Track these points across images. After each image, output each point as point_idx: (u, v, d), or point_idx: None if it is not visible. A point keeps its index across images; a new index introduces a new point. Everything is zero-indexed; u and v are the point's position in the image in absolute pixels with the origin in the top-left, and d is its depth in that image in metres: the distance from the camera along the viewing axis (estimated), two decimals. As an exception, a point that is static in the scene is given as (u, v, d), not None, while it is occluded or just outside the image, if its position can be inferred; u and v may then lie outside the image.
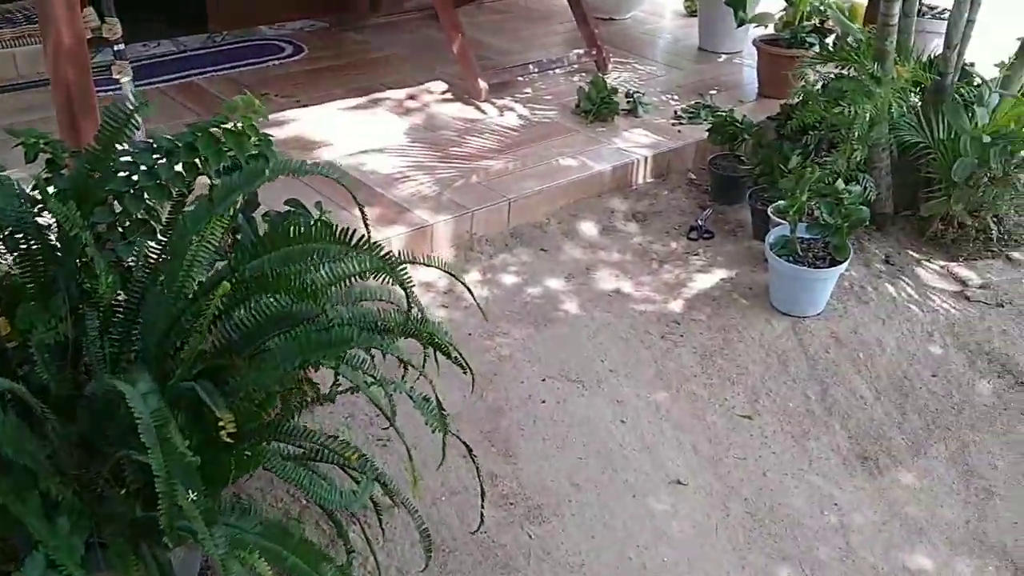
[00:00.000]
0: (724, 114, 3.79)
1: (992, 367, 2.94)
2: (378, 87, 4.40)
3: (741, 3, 4.59)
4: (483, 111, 4.22)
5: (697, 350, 2.95)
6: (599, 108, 4.13)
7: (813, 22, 4.60)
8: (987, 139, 3.21)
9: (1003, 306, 3.22)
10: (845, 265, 3.04)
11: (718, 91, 4.57)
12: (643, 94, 4.34)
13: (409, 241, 3.19)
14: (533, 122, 4.13)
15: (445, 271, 2.05)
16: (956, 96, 3.52)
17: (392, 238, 3.15)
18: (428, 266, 1.99)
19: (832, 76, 3.91)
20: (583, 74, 4.70)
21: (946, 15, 4.80)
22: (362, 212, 1.85)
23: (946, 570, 2.26)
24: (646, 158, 3.85)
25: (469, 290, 2.13)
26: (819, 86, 3.73)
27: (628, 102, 4.25)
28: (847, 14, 4.94)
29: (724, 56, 5.10)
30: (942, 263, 3.42)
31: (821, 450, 2.61)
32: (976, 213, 3.45)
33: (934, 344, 3.03)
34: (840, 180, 3.03)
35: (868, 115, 3.13)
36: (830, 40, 5.11)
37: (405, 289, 1.70)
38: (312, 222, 2.09)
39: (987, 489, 2.49)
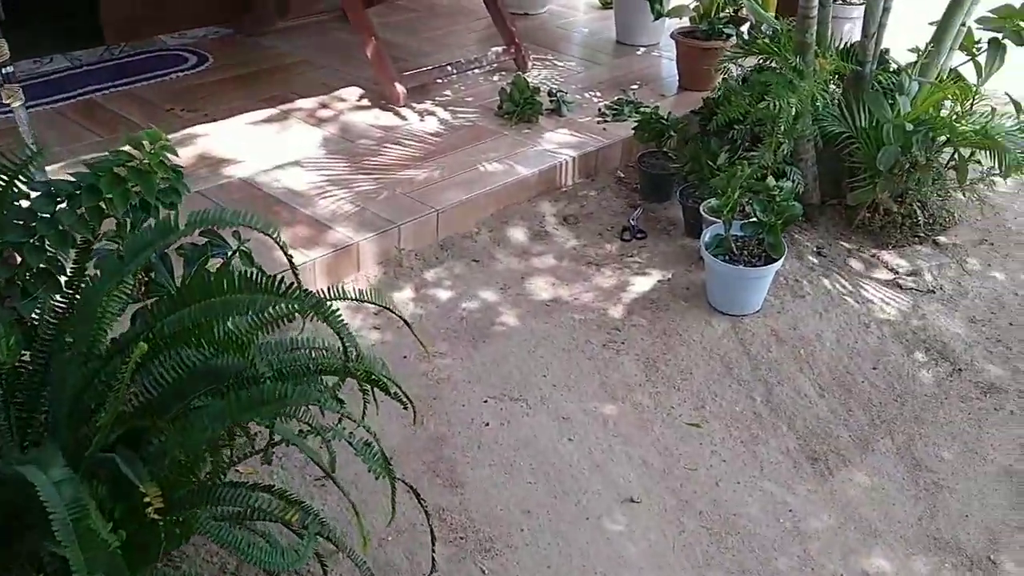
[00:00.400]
0: (649, 111, 3.74)
1: (930, 355, 2.95)
2: (290, 96, 4.23)
3: (657, -4, 4.55)
4: (403, 117, 4.09)
5: (640, 357, 2.89)
6: (522, 109, 4.03)
7: (728, 11, 4.59)
8: (909, 127, 3.22)
9: (934, 292, 3.24)
10: (781, 262, 3.01)
11: (640, 85, 4.53)
12: (565, 92, 4.27)
13: (334, 262, 3.06)
14: (455, 126, 4.02)
15: (380, 305, 1.93)
16: (875, 84, 3.53)
17: (316, 260, 3.01)
18: (361, 301, 1.87)
19: (752, 68, 3.90)
20: (503, 73, 4.61)
21: (857, 1, 4.86)
22: (289, 261, 1.72)
23: (904, 571, 2.25)
24: (573, 159, 3.78)
25: (407, 323, 2.02)
26: (740, 79, 3.72)
27: (551, 101, 4.17)
28: (761, 2, 4.95)
29: (642, 49, 5.05)
30: (872, 251, 3.43)
31: (771, 454, 2.57)
32: (901, 199, 3.47)
33: (871, 335, 3.03)
34: (770, 176, 3.00)
35: (793, 109, 3.11)
36: (745, 28, 5.14)
37: (341, 336, 1.58)
38: (232, 257, 1.96)
39: (936, 483, 2.48)
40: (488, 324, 3.01)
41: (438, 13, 5.59)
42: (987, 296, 3.23)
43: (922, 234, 3.50)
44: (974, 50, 3.79)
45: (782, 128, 3.19)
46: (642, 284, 3.23)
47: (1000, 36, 3.70)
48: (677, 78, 4.57)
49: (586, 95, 4.40)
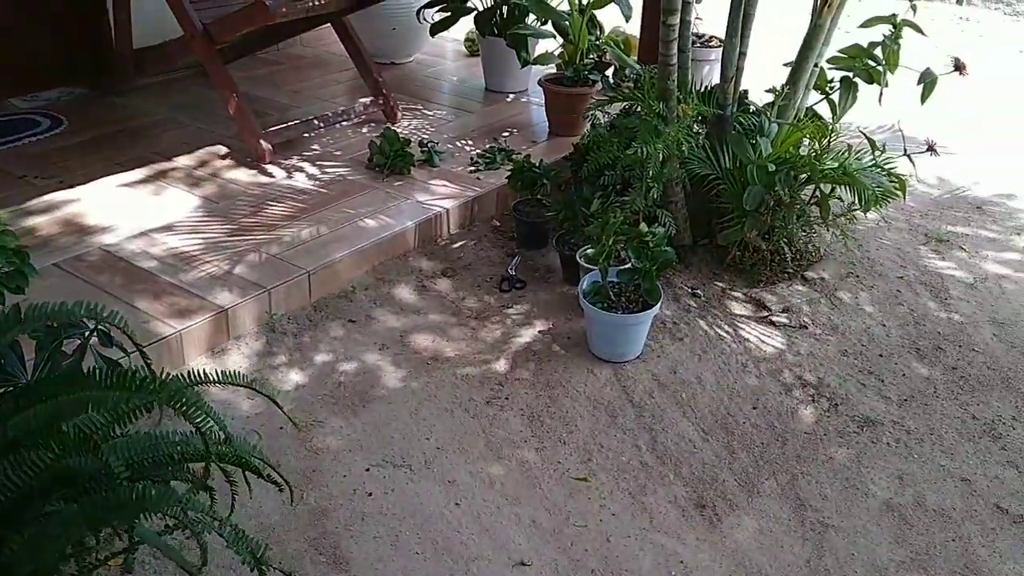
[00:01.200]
0: (521, 160, 3.73)
1: (806, 392, 3.02)
2: (152, 157, 4.05)
3: (522, 44, 4.60)
4: (270, 174, 3.97)
5: (524, 412, 2.85)
6: (393, 161, 3.98)
7: (592, 57, 4.67)
8: (772, 167, 3.32)
9: (806, 327, 3.33)
10: (658, 307, 3.03)
11: (511, 133, 4.54)
12: (437, 142, 4.24)
13: (204, 331, 2.92)
14: (326, 182, 3.93)
15: (246, 385, 1.83)
16: (737, 126, 3.63)
17: (184, 331, 2.86)
18: (225, 383, 1.77)
19: (619, 113, 3.97)
20: (372, 125, 4.55)
21: (714, 43, 5.03)
22: (141, 353, 1.61)
23: (796, 614, 2.26)
24: (448, 210, 3.74)
25: (276, 402, 1.92)
26: (608, 125, 3.77)
27: (423, 152, 4.13)
28: (622, 47, 5.07)
29: (512, 96, 5.08)
30: (745, 290, 3.51)
31: (659, 504, 2.56)
32: (769, 237, 3.56)
33: (749, 375, 3.08)
34: (643, 223, 3.03)
35: (660, 154, 3.16)
36: (609, 72, 5.24)
37: (200, 430, 1.47)
38: (89, 339, 1.82)
39: (821, 522, 2.52)
40: (368, 387, 2.91)
41: (302, 65, 5.50)
42: (857, 329, 3.34)
43: (791, 270, 3.60)
44: (827, 88, 3.95)
45: (650, 173, 3.24)
46: (524, 335, 3.20)
47: (851, 75, 3.88)
48: (547, 124, 4.61)
49: (458, 144, 4.38)
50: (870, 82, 3.87)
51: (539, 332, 3.22)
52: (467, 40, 5.81)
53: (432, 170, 4.07)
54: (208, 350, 2.95)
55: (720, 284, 3.54)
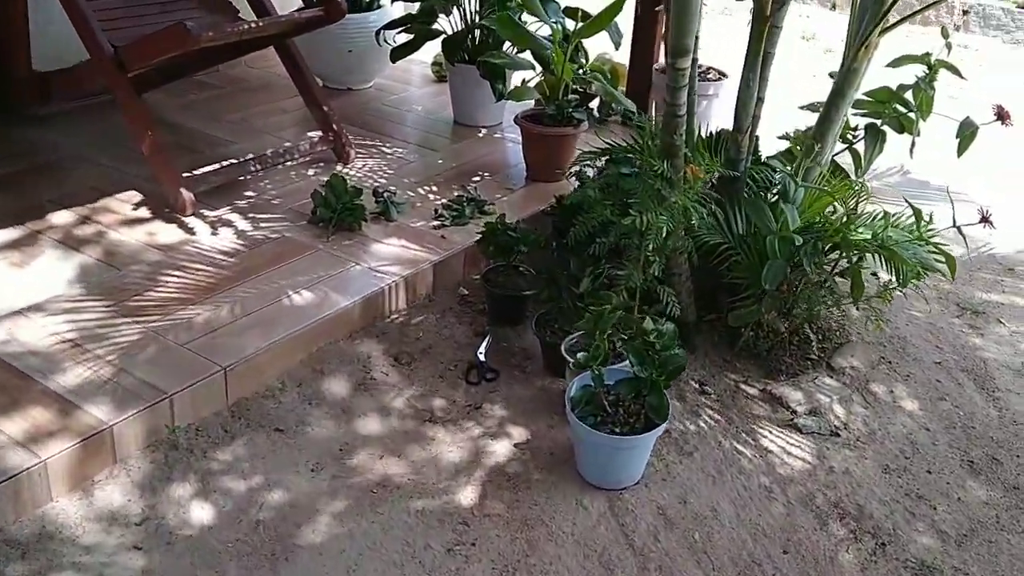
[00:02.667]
0: (495, 221, 3.10)
1: (847, 526, 2.41)
2: (43, 206, 3.37)
3: (499, 76, 3.99)
4: (191, 230, 3.31)
5: (496, 564, 2.22)
6: (341, 216, 3.33)
7: (576, 90, 4.06)
8: (799, 240, 2.71)
9: (838, 434, 2.73)
10: (665, 425, 2.41)
11: (482, 177, 3.91)
12: (395, 190, 3.60)
13: (78, 458, 2.25)
14: (257, 240, 3.27)
15: None
16: (749, 181, 3.04)
17: (51, 459, 2.19)
18: None
19: (607, 161, 3.36)
20: (320, 166, 3.90)
21: (712, 75, 4.44)
22: None
23: None
24: (405, 279, 3.10)
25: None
26: (598, 173, 3.15)
27: (377, 203, 3.50)
28: (609, 76, 4.47)
29: (484, 131, 4.46)
30: (763, 383, 2.90)
31: None
32: (789, 318, 2.97)
33: (776, 503, 2.47)
34: (646, 313, 2.41)
35: (664, 227, 2.55)
36: (594, 104, 4.64)
37: None
38: None
39: None
40: (293, 529, 2.26)
41: (246, 89, 4.83)
42: (897, 435, 2.75)
43: (814, 356, 3.01)
44: (851, 137, 3.39)
45: (651, 246, 2.63)
46: (497, 450, 2.57)
47: (879, 122, 3.31)
48: (524, 167, 3.98)
49: (420, 191, 3.75)
50: (900, 131, 3.32)
51: (515, 446, 2.59)
52: (435, 64, 5.17)
53: (388, 225, 3.43)
54: (86, 480, 2.28)
55: (732, 376, 2.93)
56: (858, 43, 2.70)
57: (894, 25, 2.68)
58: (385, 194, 3.52)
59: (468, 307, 3.21)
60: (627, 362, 2.50)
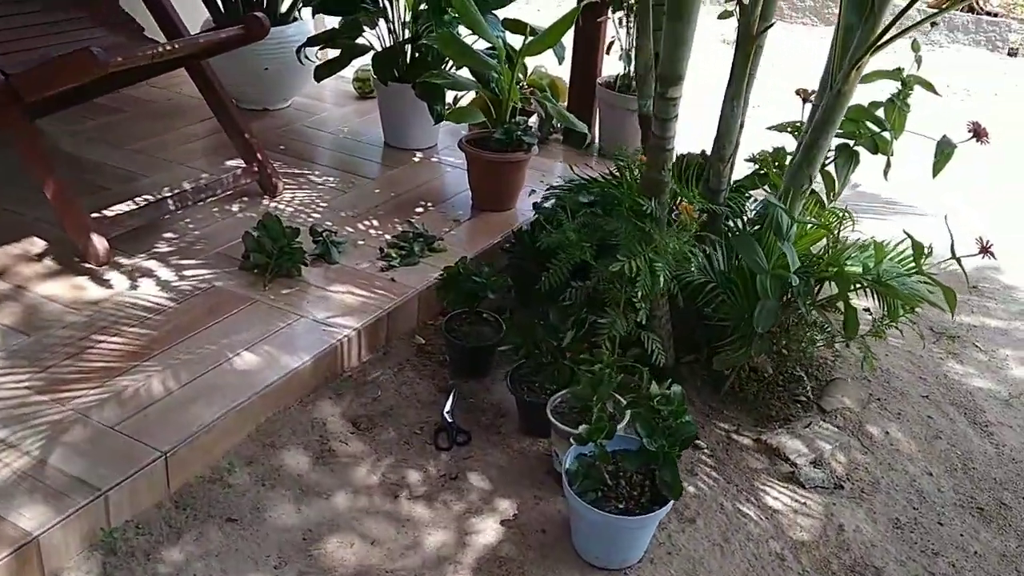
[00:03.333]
0: (455, 266, 2.80)
1: (868, 594, 2.23)
2: (-68, 262, 2.94)
3: (437, 96, 3.69)
4: (107, 283, 2.92)
5: (499, 674, 1.94)
6: (278, 260, 2.99)
7: (516, 107, 3.80)
8: (795, 280, 2.52)
9: (842, 487, 2.55)
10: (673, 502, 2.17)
11: (425, 208, 3.61)
12: (333, 228, 3.27)
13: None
14: (185, 293, 2.90)
15: None
16: (725, 210, 2.84)
17: (-39, 590, 1.81)
18: None
19: (569, 188, 3.13)
20: (245, 200, 3.54)
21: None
22: None
23: None
24: (358, 331, 2.78)
25: None
26: (562, 207, 2.89)
27: (316, 243, 3.16)
28: (548, 91, 4.24)
29: (419, 154, 4.15)
30: (756, 432, 2.70)
31: None
32: (779, 360, 2.78)
33: (791, 572, 2.26)
34: (653, 384, 2.16)
35: (661, 276, 2.32)
36: (532, 120, 4.40)
37: None
38: None
39: None
40: (262, 649, 1.94)
41: (152, 114, 4.40)
42: (902, 484, 2.58)
43: (803, 397, 2.83)
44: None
45: (640, 294, 2.40)
46: (483, 529, 2.29)
47: (851, 143, 3.15)
48: (470, 194, 3.70)
49: (360, 226, 3.42)
50: (875, 151, 3.16)
51: (503, 523, 2.31)
52: (357, 80, 4.83)
53: (330, 269, 3.10)
54: (6, 607, 1.91)
55: (723, 425, 2.72)
56: (849, 65, 2.52)
57: (887, 42, 2.51)
58: (324, 233, 3.18)
59: (427, 358, 2.91)
60: (623, 425, 2.26)
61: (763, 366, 2.76)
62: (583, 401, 2.20)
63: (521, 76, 4.02)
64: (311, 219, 3.42)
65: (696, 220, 2.37)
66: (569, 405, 2.41)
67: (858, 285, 2.65)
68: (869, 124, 3.15)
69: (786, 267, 2.57)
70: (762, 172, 3.20)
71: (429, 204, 3.65)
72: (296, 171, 3.87)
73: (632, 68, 4.15)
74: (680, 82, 2.30)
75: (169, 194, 3.35)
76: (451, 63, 3.78)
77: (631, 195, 2.52)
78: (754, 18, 2.49)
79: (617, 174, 2.95)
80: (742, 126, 2.74)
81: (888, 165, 3.15)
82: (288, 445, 2.47)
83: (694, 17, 2.21)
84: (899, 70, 3.12)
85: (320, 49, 4.20)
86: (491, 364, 2.84)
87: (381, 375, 2.79)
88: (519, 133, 3.51)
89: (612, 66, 4.28)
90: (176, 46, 3.19)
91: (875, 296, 2.71)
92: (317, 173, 3.87)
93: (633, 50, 4.12)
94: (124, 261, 3.03)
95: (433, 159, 4.12)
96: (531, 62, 4.35)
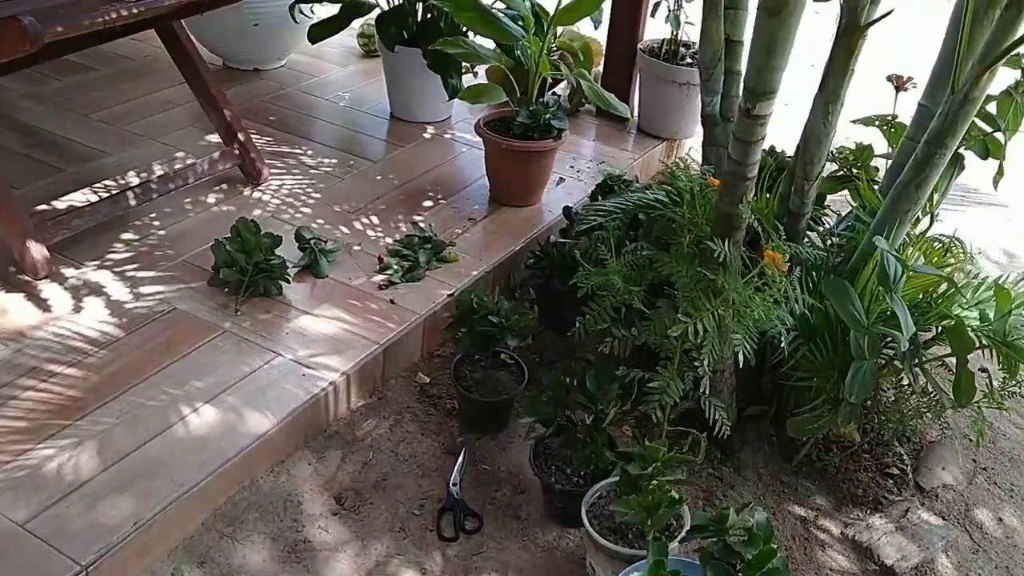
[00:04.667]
0: (469, 299, 2.24)
1: None
2: None
3: (452, 68, 3.11)
4: (43, 302, 2.39)
5: None
6: (253, 278, 2.45)
7: (546, 80, 3.21)
8: (907, 344, 1.95)
9: (953, 600, 2.02)
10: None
11: (435, 200, 3.05)
12: (323, 239, 2.71)
13: None
14: (138, 318, 2.37)
15: None
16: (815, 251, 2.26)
17: None
18: None
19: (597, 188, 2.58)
20: (223, 189, 2.99)
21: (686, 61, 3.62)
22: None
23: None
24: (348, 376, 2.26)
25: None
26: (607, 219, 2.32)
27: (303, 252, 2.62)
28: (581, 57, 3.64)
29: (431, 129, 3.57)
30: (839, 522, 2.17)
31: None
32: (869, 427, 2.24)
33: None
34: (731, 510, 1.62)
35: (735, 344, 1.78)
36: (560, 89, 3.82)
37: None
38: None
39: None
40: None
41: (128, 74, 3.82)
42: (1024, 596, 2.06)
43: (896, 471, 2.29)
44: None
45: (706, 360, 1.85)
46: (492, 667, 1.79)
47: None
48: (487, 184, 3.13)
49: (357, 225, 2.87)
50: (985, 156, 2.56)
51: (521, 659, 1.81)
52: (362, 36, 4.22)
53: (317, 284, 2.57)
54: None
55: (798, 508, 2.19)
56: (982, 66, 1.92)
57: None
58: (312, 241, 2.63)
59: (432, 404, 2.39)
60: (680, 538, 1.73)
61: (850, 436, 2.22)
62: (631, 518, 1.67)
63: (552, 46, 3.43)
64: (299, 216, 2.88)
65: (786, 275, 1.80)
66: (609, 499, 1.88)
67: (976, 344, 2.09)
68: (978, 122, 2.55)
69: (888, 320, 2.01)
70: (841, 174, 2.63)
71: (440, 196, 3.08)
72: (286, 149, 3.30)
73: (678, 32, 3.54)
74: (773, 97, 1.72)
75: (133, 183, 2.80)
76: (473, 32, 3.16)
77: (693, 223, 1.96)
78: (863, 3, 1.88)
79: (668, 183, 2.37)
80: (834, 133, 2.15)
81: (1000, 172, 2.56)
82: (252, 535, 1.96)
83: (798, 13, 1.62)
84: (1018, 55, 2.51)
85: (316, 2, 3.59)
86: (509, 416, 2.31)
87: (374, 429, 2.27)
88: (548, 116, 2.92)
89: (656, 30, 3.66)
90: (137, 9, 2.60)
91: (995, 354, 2.14)
92: (310, 153, 3.30)
93: (682, 12, 3.51)
94: (69, 273, 2.50)
95: (447, 135, 3.54)
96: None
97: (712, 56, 2.25)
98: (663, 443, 1.88)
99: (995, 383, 2.17)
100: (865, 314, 2.01)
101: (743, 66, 2.29)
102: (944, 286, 2.16)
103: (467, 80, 3.37)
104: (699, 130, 3.72)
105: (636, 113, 3.74)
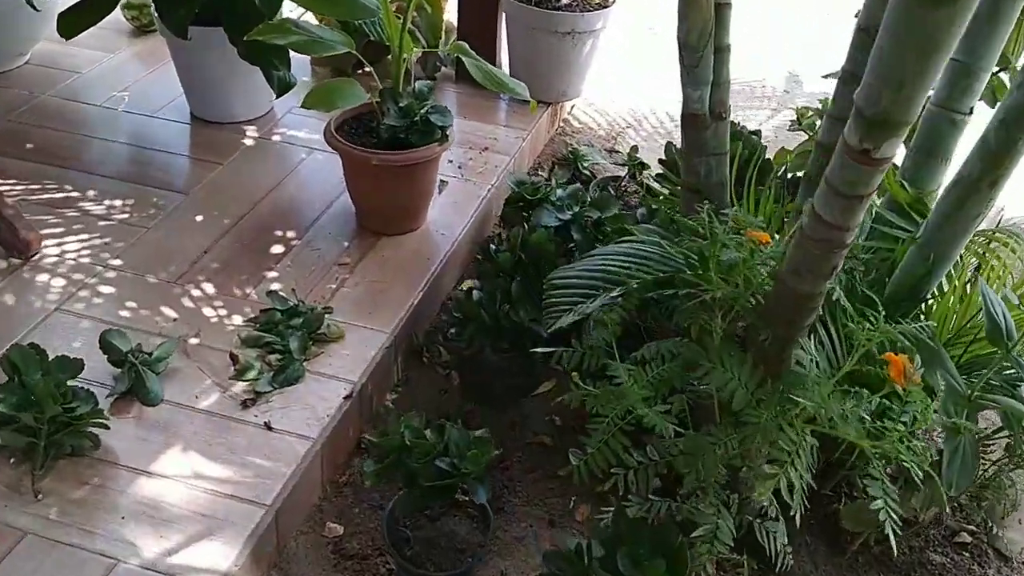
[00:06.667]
0: (400, 432, 1.51)
1: None
2: None
3: (276, 56, 2.29)
4: None
5: None
6: (52, 436, 1.62)
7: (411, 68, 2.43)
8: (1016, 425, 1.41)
9: None
10: None
11: (286, 244, 2.25)
12: (141, 346, 1.88)
13: None
14: None
15: None
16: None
17: None
18: None
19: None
20: (-26, 281, 2.07)
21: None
22: None
23: None
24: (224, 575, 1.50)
25: None
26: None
27: (121, 370, 1.79)
28: (428, 9, 2.89)
29: (250, 131, 2.70)
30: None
31: None
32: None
33: None
34: None
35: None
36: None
37: None
38: None
39: None
40: None
41: None
42: None
43: (967, 535, 1.80)
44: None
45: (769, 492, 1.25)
46: None
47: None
48: (351, 206, 2.36)
49: (185, 303, 2.05)
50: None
51: None
52: (129, 6, 3.21)
53: (150, 416, 1.76)
54: None
55: (875, 629, 1.66)
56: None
57: None
58: (130, 353, 1.80)
59: (355, 572, 1.67)
60: None
61: (921, 514, 1.71)
62: None
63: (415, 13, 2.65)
64: (97, 303, 2.02)
65: (920, 388, 1.21)
66: None
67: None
68: None
69: (986, 383, 1.47)
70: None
71: (291, 235, 2.28)
72: (58, 194, 2.38)
73: None
74: (905, 130, 1.07)
75: None
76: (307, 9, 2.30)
77: (734, 299, 1.31)
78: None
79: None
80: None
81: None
82: None
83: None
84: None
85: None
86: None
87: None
88: (425, 111, 2.17)
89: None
90: None
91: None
92: (93, 194, 2.39)
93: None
94: None
95: (275, 137, 2.70)
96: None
97: (701, 31, 1.55)
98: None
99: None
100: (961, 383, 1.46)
101: (731, 39, 1.64)
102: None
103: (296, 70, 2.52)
104: (585, 89, 3.10)
105: (507, 68, 3.03)
